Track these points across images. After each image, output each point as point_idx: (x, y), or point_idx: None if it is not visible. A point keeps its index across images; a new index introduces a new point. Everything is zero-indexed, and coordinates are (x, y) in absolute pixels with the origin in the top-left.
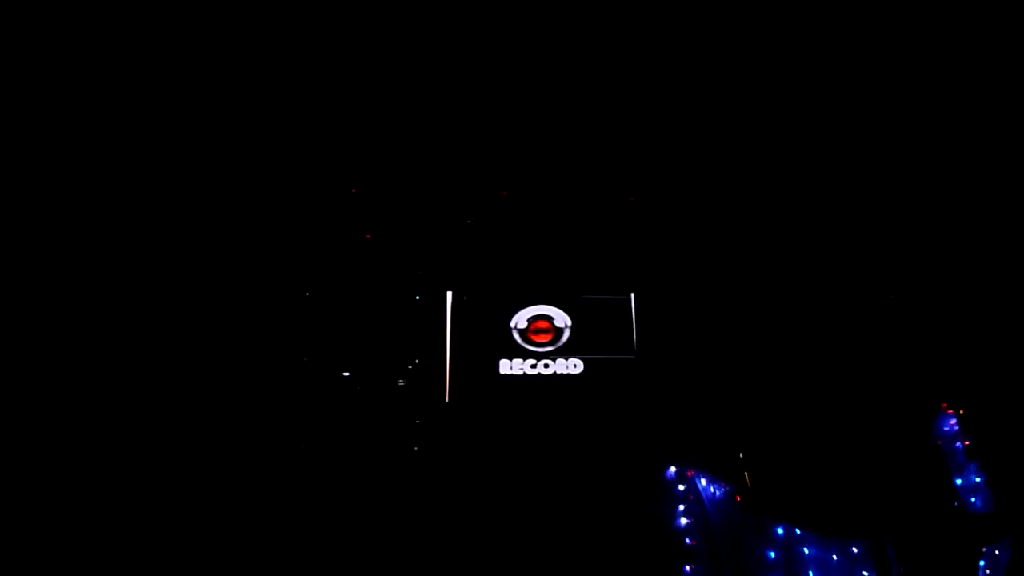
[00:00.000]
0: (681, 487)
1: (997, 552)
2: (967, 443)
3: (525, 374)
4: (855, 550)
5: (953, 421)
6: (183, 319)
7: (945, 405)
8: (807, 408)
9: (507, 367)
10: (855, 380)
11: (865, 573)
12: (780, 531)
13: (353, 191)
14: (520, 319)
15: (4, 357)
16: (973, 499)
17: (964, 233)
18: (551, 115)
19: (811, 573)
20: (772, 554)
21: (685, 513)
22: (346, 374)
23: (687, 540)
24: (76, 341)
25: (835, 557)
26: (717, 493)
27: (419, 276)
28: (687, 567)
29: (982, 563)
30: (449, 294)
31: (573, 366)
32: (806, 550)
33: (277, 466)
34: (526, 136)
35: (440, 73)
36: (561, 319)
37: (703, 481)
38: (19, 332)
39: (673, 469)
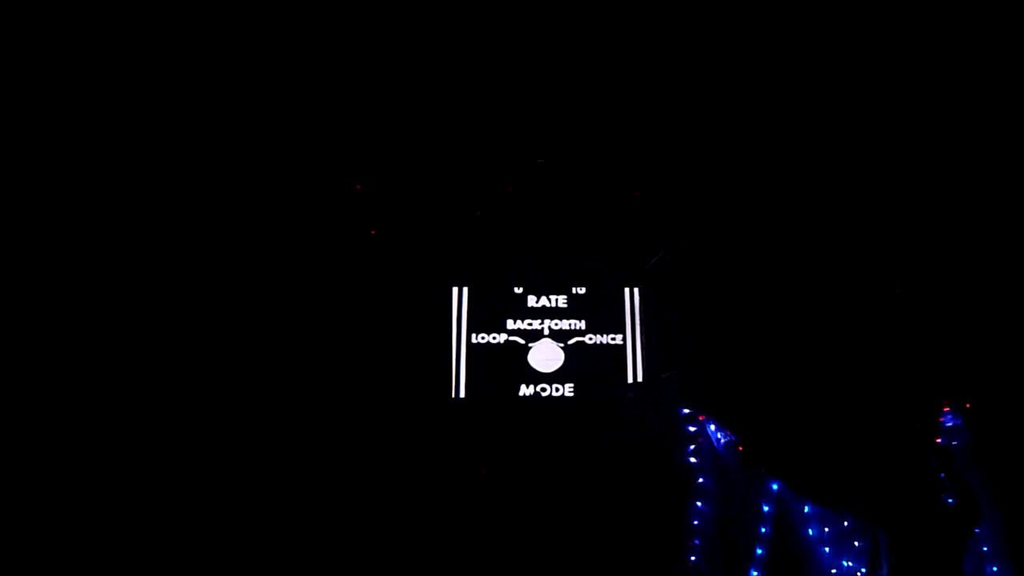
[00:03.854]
0: (691, 428)
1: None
2: (970, 441)
3: None
4: (846, 523)
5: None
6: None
7: (947, 404)
8: (817, 381)
9: None
10: (870, 368)
11: (856, 543)
12: (775, 487)
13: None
14: None
15: (5, 357)
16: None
17: (970, 227)
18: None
19: (811, 530)
20: (767, 507)
21: (694, 453)
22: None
23: (699, 479)
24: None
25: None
26: (723, 440)
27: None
28: (698, 503)
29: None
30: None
31: None
32: (807, 508)
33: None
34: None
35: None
36: None
37: (712, 427)
38: (20, 331)
39: (686, 411)
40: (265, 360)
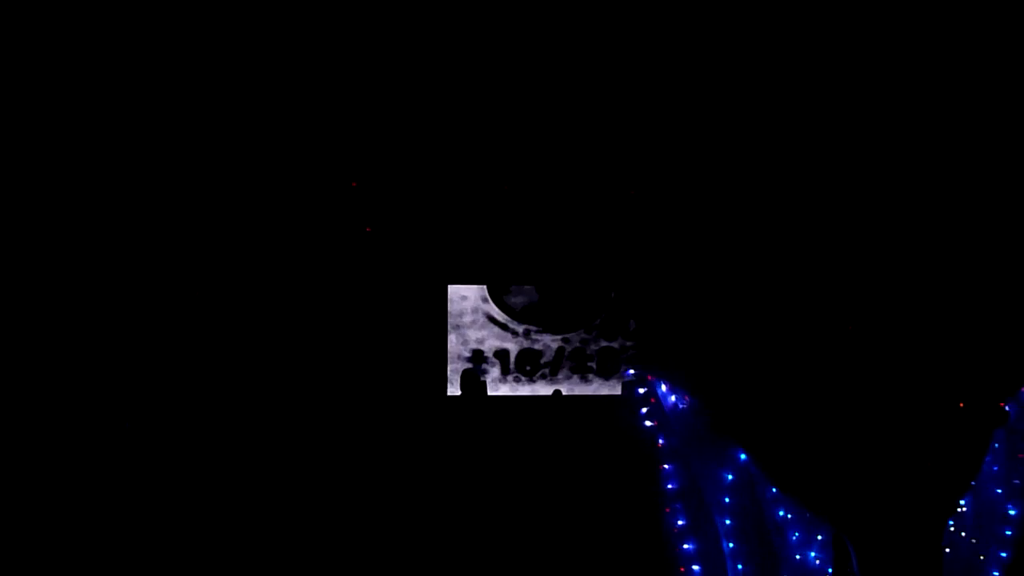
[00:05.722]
0: (641, 389)
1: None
2: None
3: None
4: (807, 514)
5: None
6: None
7: None
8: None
9: None
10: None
11: (819, 536)
12: (743, 457)
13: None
14: None
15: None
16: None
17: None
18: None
19: (780, 511)
20: (730, 476)
21: (648, 416)
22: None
23: (660, 440)
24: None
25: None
26: (680, 405)
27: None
28: (665, 465)
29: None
30: None
31: None
32: (773, 489)
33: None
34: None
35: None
36: None
37: (663, 387)
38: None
39: (631, 371)
40: (258, 357)
